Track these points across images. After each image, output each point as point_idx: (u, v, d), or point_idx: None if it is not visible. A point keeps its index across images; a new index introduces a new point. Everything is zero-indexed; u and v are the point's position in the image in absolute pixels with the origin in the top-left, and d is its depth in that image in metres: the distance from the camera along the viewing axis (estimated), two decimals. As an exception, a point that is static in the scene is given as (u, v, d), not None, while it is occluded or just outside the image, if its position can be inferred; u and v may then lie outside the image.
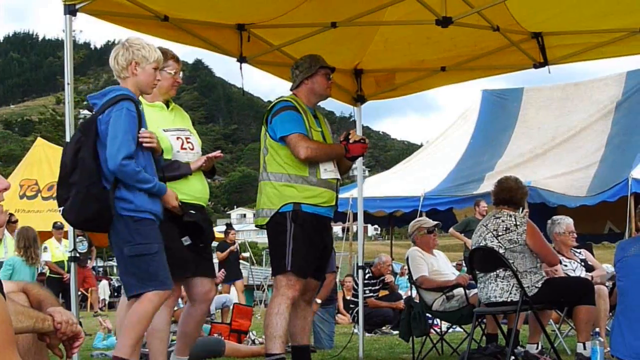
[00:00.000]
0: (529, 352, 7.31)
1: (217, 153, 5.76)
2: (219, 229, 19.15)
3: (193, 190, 5.49)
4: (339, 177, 6.11)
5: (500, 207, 7.13)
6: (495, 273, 6.85)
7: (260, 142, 6.14)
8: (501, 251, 6.80)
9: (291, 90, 6.26)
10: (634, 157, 14.08)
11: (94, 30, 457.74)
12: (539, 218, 9.74)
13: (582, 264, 8.45)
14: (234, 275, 18.62)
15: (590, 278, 7.94)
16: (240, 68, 7.55)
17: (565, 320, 8.53)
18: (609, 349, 6.56)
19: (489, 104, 17.82)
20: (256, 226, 6.18)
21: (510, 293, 6.77)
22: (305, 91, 6.17)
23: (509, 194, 7.18)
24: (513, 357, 6.93)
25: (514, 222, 6.91)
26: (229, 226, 19.91)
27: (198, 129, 6.54)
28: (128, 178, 4.85)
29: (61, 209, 4.92)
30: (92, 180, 4.84)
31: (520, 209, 7.44)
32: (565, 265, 8.15)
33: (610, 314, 7.83)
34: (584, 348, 6.89)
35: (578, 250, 8.69)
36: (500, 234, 6.87)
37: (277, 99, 6.17)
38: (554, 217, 8.73)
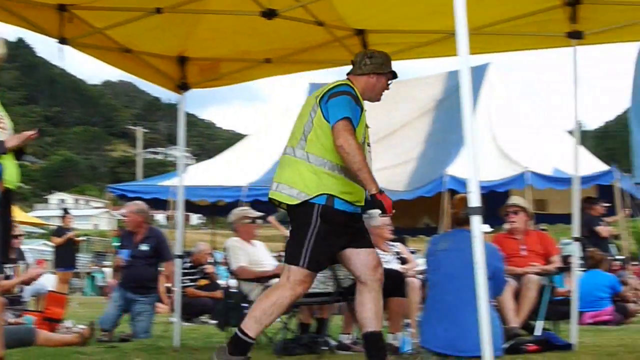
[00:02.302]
0: (342, 342, 7.45)
1: (34, 132, 5.55)
2: (36, 214, 18.53)
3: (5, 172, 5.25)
4: None
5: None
6: (311, 264, 6.93)
7: (302, 114, 5.65)
8: (317, 243, 6.88)
9: (351, 74, 5.86)
10: (450, 154, 14.62)
11: None
12: (358, 211, 9.94)
13: (397, 256, 8.68)
14: (70, 262, 18.11)
15: (403, 271, 8.19)
16: (61, 50, 7.34)
17: (379, 311, 8.72)
18: (418, 339, 6.77)
19: (311, 96, 18.03)
20: (270, 199, 5.65)
21: (326, 284, 6.88)
22: (366, 84, 5.78)
23: None
24: (326, 347, 7.06)
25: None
26: (66, 211, 19.32)
27: (18, 110, 6.37)
28: None
29: None
30: None
31: None
32: (381, 258, 8.35)
33: (422, 306, 8.08)
34: (395, 338, 7.09)
35: (393, 244, 8.93)
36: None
37: (338, 82, 5.69)
38: (370, 211, 8.90)
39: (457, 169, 14.17)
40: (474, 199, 4.36)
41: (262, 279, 7.94)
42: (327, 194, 5.40)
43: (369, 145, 5.74)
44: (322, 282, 6.89)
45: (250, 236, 8.43)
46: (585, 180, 13.38)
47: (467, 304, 5.57)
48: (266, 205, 15.21)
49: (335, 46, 8.02)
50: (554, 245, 9.19)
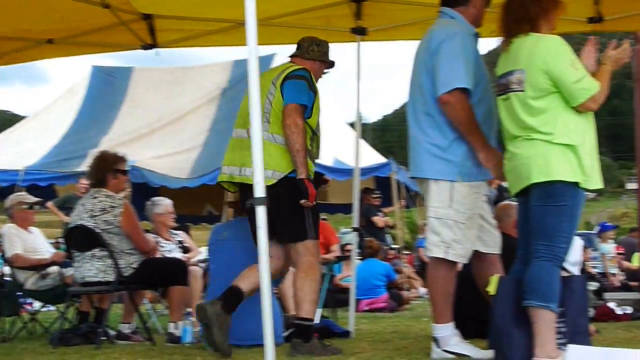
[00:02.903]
0: (121, 332, 7.34)
1: None
2: None
3: None
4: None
5: (98, 187, 7.09)
6: (91, 252, 6.80)
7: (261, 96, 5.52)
8: (97, 231, 6.76)
9: (296, 57, 6.08)
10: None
11: None
12: (141, 198, 9.85)
13: (179, 245, 8.65)
14: None
15: (186, 259, 8.17)
16: None
17: (160, 300, 8.67)
18: (199, 328, 6.76)
19: (97, 80, 17.57)
20: (221, 182, 5.99)
21: (106, 273, 6.77)
22: (311, 68, 5.95)
23: (98, 174, 7.20)
24: (104, 337, 6.93)
25: (110, 204, 6.91)
26: None
27: None
28: None
29: None
30: None
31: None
32: (163, 246, 8.29)
33: (204, 294, 8.09)
34: (176, 327, 7.05)
35: (176, 232, 8.88)
36: (96, 214, 6.84)
37: (294, 66, 5.92)
38: (153, 198, 8.87)
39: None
40: (259, 190, 4.40)
41: (39, 267, 7.71)
42: None
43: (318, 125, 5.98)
44: (102, 271, 6.76)
45: (27, 222, 8.15)
46: (364, 171, 13.80)
47: (249, 293, 5.63)
48: (44, 191, 14.85)
49: (121, 30, 7.86)
50: (334, 235, 9.48)
